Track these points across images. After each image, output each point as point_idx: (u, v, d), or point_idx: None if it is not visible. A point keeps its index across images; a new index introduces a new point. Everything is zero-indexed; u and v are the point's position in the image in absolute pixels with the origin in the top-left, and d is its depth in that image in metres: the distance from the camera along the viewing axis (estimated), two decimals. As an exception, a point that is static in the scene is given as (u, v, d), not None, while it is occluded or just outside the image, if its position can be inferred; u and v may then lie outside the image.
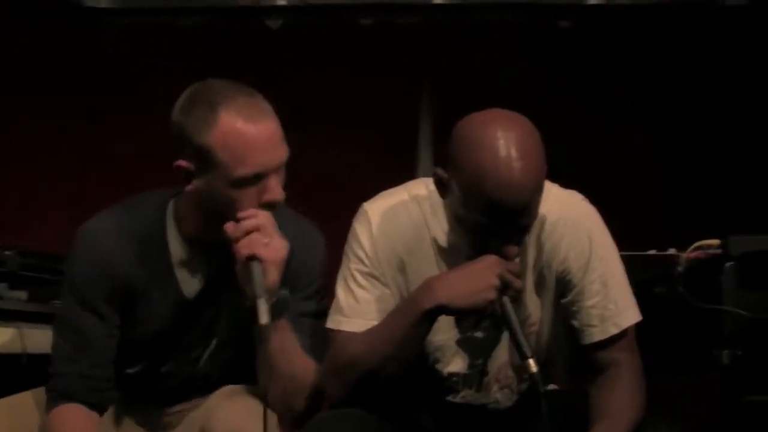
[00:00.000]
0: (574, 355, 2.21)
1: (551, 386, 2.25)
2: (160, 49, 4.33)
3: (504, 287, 1.96)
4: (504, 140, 1.91)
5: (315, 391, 2.12)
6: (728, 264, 2.28)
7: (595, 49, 4.34)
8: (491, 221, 1.92)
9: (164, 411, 2.29)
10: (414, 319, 2.00)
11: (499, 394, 2.20)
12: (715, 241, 2.36)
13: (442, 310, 1.98)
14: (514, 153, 1.90)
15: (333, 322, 2.11)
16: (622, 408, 2.02)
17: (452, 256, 2.09)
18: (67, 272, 2.15)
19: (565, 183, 2.14)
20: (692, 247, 2.38)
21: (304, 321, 2.17)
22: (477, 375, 2.17)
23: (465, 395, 2.18)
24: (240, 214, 2.00)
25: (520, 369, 2.17)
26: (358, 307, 2.09)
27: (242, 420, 2.02)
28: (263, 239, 1.99)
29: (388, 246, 2.11)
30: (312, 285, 2.20)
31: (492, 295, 1.95)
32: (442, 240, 2.11)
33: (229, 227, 2.01)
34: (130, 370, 2.21)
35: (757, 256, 2.15)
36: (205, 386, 2.24)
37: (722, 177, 3.49)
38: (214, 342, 2.21)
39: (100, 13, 4.36)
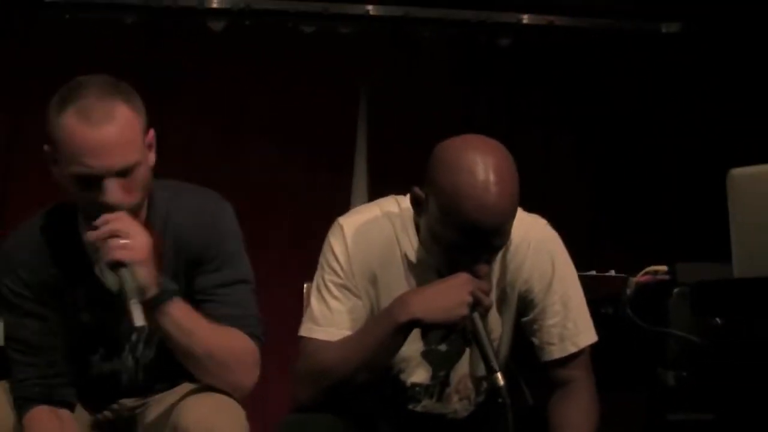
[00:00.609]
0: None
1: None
2: (102, 45, 4.32)
3: (475, 304, 2.05)
4: (482, 165, 2.00)
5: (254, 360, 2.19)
6: (676, 289, 2.41)
7: (533, 69, 4.47)
8: (467, 240, 2.01)
9: (120, 407, 2.31)
10: (389, 331, 2.07)
11: (458, 405, 2.28)
12: (663, 267, 2.49)
13: (416, 323, 2.07)
14: (491, 177, 1.99)
15: (306, 330, 2.18)
16: (581, 421, 2.14)
17: (420, 271, 2.18)
18: None
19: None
20: (642, 272, 2.51)
21: (219, 292, 2.21)
22: (439, 386, 2.26)
23: (426, 405, 2.27)
24: (95, 222, 2.03)
25: (479, 381, 2.28)
26: (332, 317, 2.16)
27: (214, 415, 2.07)
28: (121, 242, 2.01)
29: (362, 259, 2.18)
30: (219, 256, 2.23)
31: (464, 311, 2.04)
32: (412, 256, 2.19)
33: (90, 236, 2.05)
34: (74, 365, 2.25)
35: (704, 284, 2.28)
36: (161, 375, 2.28)
37: (672, 205, 3.65)
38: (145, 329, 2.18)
39: (42, 5, 4.35)
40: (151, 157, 2.13)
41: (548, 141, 4.30)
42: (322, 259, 2.21)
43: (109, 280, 2.13)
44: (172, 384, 2.26)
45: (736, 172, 2.18)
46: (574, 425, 2.12)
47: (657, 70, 4.29)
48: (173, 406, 2.16)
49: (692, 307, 2.28)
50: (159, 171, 2.19)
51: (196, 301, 2.19)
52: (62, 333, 2.21)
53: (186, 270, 2.22)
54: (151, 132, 2.13)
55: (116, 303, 2.08)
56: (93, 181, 2.02)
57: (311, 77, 4.59)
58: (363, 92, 4.73)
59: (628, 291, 2.50)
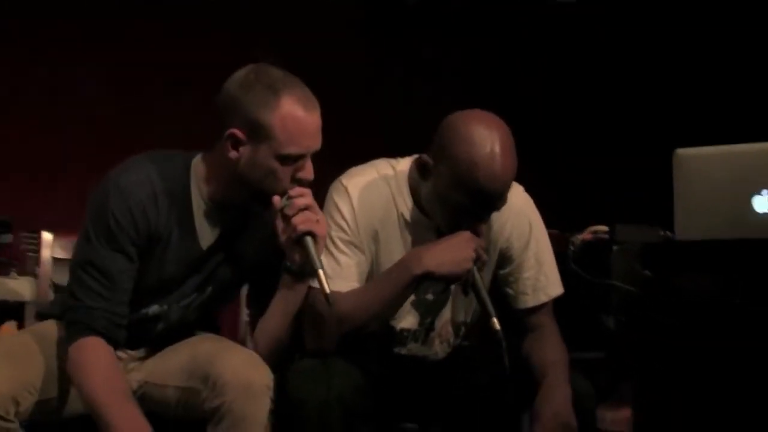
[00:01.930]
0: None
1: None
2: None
3: (476, 258, 2.37)
4: (491, 138, 2.31)
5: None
6: (615, 247, 2.80)
7: (439, 28, 4.71)
8: (475, 204, 2.32)
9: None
10: (404, 282, 2.37)
11: (439, 348, 2.60)
12: (604, 227, 2.87)
13: (428, 276, 2.36)
14: (498, 149, 2.30)
15: (315, 281, 2.41)
16: (558, 357, 2.49)
17: (415, 229, 2.48)
18: (98, 218, 2.32)
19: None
20: (586, 230, 2.87)
21: None
22: (424, 331, 2.57)
23: (411, 348, 2.57)
24: (290, 192, 2.30)
25: (458, 326, 2.60)
26: (341, 270, 2.42)
27: (249, 368, 2.28)
28: (314, 216, 2.30)
29: (366, 218, 2.45)
30: None
31: (469, 264, 2.35)
32: (407, 215, 2.48)
33: (278, 201, 2.30)
34: (135, 312, 2.41)
35: (649, 244, 2.68)
36: (179, 333, 2.48)
37: (613, 171, 4.03)
38: (208, 291, 2.46)
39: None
40: None
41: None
42: (327, 217, 2.43)
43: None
44: None
45: (681, 151, 2.57)
46: (554, 361, 2.46)
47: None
48: (200, 354, 2.36)
49: (640, 262, 2.66)
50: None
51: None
52: (138, 279, 2.37)
53: None
54: None
55: (202, 263, 2.37)
56: (295, 159, 2.29)
57: (212, 35, 4.75)
58: (265, 50, 4.89)
59: (572, 248, 2.87)
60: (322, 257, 2.39)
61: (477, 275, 2.38)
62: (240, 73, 2.34)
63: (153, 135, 4.54)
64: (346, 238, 2.44)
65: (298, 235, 2.30)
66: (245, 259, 2.47)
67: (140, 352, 2.50)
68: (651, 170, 2.77)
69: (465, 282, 2.40)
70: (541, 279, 2.57)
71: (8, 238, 3.78)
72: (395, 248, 2.47)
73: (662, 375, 2.74)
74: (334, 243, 2.44)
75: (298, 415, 2.26)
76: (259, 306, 2.50)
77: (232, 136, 2.30)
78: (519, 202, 2.54)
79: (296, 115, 2.28)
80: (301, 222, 2.30)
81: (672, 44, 4.31)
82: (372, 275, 2.48)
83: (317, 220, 2.32)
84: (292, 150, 2.28)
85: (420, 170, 2.41)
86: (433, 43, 4.80)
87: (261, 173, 2.30)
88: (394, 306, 2.43)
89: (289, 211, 2.31)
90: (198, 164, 2.42)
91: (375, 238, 2.47)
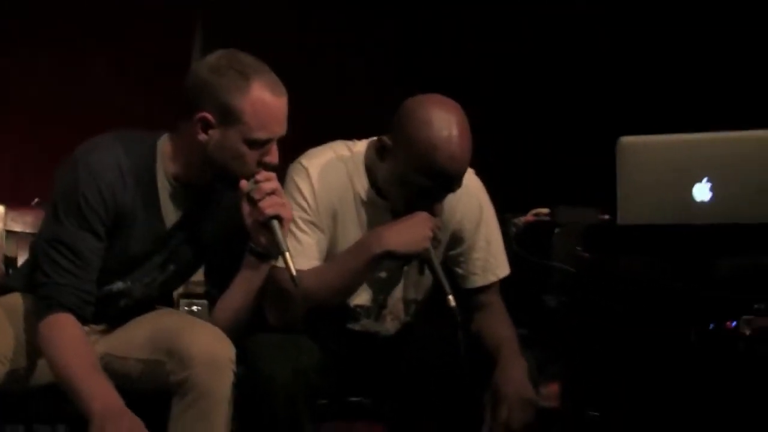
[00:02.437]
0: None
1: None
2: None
3: (432, 238, 2.47)
4: (448, 122, 2.40)
5: None
6: (557, 229, 2.93)
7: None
8: (435, 185, 2.42)
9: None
10: (365, 261, 2.46)
11: (390, 324, 2.68)
12: (546, 210, 3.00)
13: (388, 255, 2.45)
14: (456, 132, 2.40)
15: (280, 261, 2.48)
16: (510, 334, 2.60)
17: (371, 209, 2.56)
18: (67, 198, 2.35)
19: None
20: (529, 213, 3.00)
21: None
22: (377, 308, 2.65)
23: (364, 324, 2.65)
24: (257, 176, 2.36)
25: (409, 304, 2.69)
26: (302, 249, 2.49)
27: (213, 342, 2.35)
28: (281, 201, 2.37)
29: (325, 198, 2.53)
30: None
31: (427, 243, 2.45)
32: (363, 195, 2.56)
33: (245, 185, 2.36)
34: (99, 289, 2.44)
35: (592, 226, 2.82)
36: (141, 309, 2.54)
37: (556, 155, 4.16)
38: (171, 269, 2.51)
39: None
40: None
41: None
42: (288, 197, 2.50)
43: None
44: None
45: (625, 139, 2.70)
46: (506, 337, 2.58)
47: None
48: (164, 327, 2.43)
49: (581, 244, 2.80)
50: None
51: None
52: (104, 257, 2.40)
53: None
54: None
55: (165, 241, 2.43)
56: (262, 144, 2.34)
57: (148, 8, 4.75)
58: (198, 22, 4.93)
59: (515, 229, 2.99)
60: None
61: (433, 254, 2.47)
62: (211, 58, 2.39)
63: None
64: (307, 217, 2.51)
65: (265, 218, 2.36)
66: (206, 239, 2.52)
67: (101, 326, 2.53)
68: (594, 156, 2.89)
69: (422, 260, 2.49)
70: (491, 260, 2.67)
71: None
72: (352, 228, 2.55)
73: (595, 353, 2.89)
74: (295, 222, 2.49)
75: (266, 389, 2.35)
76: (216, 285, 2.56)
77: (203, 119, 2.34)
78: (470, 184, 2.62)
79: (266, 101, 2.34)
80: (268, 206, 2.36)
81: (617, 31, 4.46)
82: (330, 254, 2.55)
83: (283, 204, 2.39)
84: (261, 135, 2.34)
85: (378, 152, 2.49)
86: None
87: (229, 156, 2.36)
88: (355, 284, 2.51)
89: (256, 195, 2.37)
90: (164, 144, 2.45)
91: (334, 217, 2.55)
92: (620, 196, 2.69)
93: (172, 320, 2.48)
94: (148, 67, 4.70)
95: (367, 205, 2.56)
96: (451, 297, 2.45)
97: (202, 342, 2.34)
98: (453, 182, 2.44)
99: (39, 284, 2.35)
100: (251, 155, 2.36)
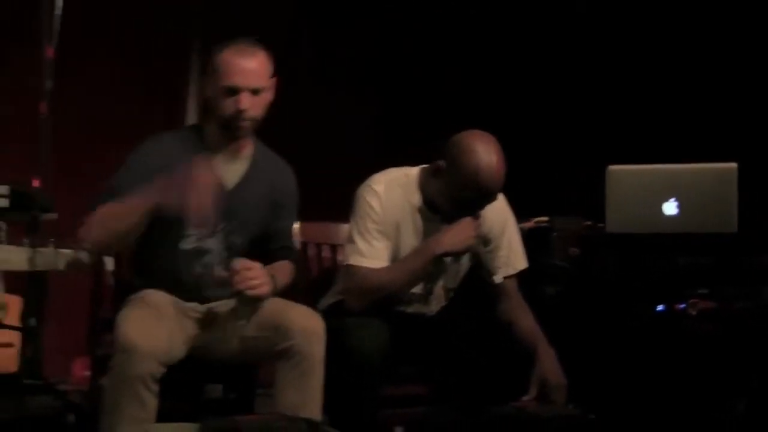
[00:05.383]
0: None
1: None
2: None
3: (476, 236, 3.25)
4: (488, 151, 3.16)
5: None
6: (554, 233, 3.75)
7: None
8: (477, 198, 3.19)
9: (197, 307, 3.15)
10: (427, 260, 3.22)
11: (434, 307, 3.45)
12: (545, 218, 3.81)
13: (447, 253, 3.23)
14: (495, 159, 3.15)
15: (355, 260, 3.23)
16: (534, 322, 3.38)
17: (424, 220, 3.31)
18: (128, 157, 3.10)
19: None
20: (532, 221, 3.80)
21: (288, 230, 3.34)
22: (426, 294, 3.41)
23: (415, 307, 3.40)
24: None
25: (448, 291, 3.46)
26: (373, 251, 3.24)
27: (309, 318, 3.04)
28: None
29: (390, 212, 3.28)
30: (295, 205, 3.37)
31: (473, 242, 3.24)
32: (418, 209, 3.31)
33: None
34: (163, 247, 3.11)
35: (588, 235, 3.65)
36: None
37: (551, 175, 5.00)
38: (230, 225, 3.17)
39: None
40: (270, 95, 3.13)
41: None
42: (361, 211, 3.27)
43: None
44: None
45: (613, 168, 3.52)
46: (535, 328, 3.35)
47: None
48: (267, 310, 3.08)
49: (574, 246, 3.61)
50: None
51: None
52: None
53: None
54: (275, 79, 3.14)
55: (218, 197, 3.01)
56: (230, 91, 3.05)
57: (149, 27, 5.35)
58: (196, 40, 5.55)
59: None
60: (357, 240, 3.25)
61: (480, 249, 3.27)
62: None
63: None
64: (376, 227, 3.26)
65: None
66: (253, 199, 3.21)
67: (202, 308, 3.15)
68: (582, 177, 3.70)
69: (471, 253, 3.30)
70: (512, 257, 3.45)
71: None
72: (410, 235, 3.31)
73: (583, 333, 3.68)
74: (368, 230, 3.25)
75: (353, 357, 3.08)
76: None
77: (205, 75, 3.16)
78: (498, 199, 3.36)
79: (231, 57, 3.09)
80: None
81: (609, 73, 5.15)
82: (393, 256, 3.28)
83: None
84: (225, 83, 3.06)
85: (433, 173, 3.25)
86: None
87: (215, 104, 3.11)
88: (418, 278, 3.28)
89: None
90: None
91: (396, 227, 3.30)
92: (608, 210, 3.50)
93: (268, 305, 3.10)
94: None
95: (421, 217, 3.32)
96: (495, 277, 3.29)
97: (300, 318, 3.03)
98: (491, 196, 3.21)
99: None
100: (228, 102, 3.07)
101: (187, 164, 2.91)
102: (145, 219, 2.96)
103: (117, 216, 2.96)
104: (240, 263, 3.02)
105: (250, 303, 3.07)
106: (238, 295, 3.04)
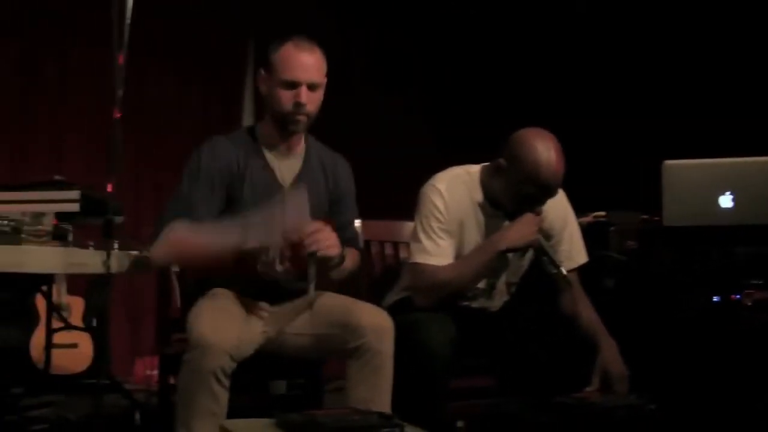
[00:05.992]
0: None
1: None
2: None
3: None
4: (548, 148, 3.26)
5: None
6: (611, 228, 3.84)
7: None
8: (538, 194, 3.29)
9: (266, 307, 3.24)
10: (492, 256, 3.33)
11: (497, 301, 3.56)
12: (603, 213, 3.90)
13: (510, 249, 3.34)
14: (554, 155, 3.26)
15: (422, 258, 3.34)
16: (595, 314, 3.47)
17: (486, 216, 3.43)
18: (190, 164, 3.19)
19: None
20: (591, 215, 3.90)
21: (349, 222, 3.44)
22: (489, 289, 3.52)
23: (480, 302, 3.52)
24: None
25: (510, 285, 3.57)
26: (439, 250, 3.36)
27: (378, 316, 3.14)
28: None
29: (454, 210, 3.39)
30: (353, 197, 3.48)
31: (536, 237, 3.33)
32: (480, 206, 3.42)
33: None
34: None
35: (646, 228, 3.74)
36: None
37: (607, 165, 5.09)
38: None
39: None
40: (323, 93, 3.22)
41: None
42: (425, 210, 3.38)
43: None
44: None
45: (669, 162, 3.60)
46: (596, 320, 3.45)
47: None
48: (335, 308, 3.18)
49: (631, 239, 3.70)
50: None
51: None
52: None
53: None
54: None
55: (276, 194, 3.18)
56: (289, 85, 3.15)
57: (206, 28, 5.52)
58: (251, 40, 5.68)
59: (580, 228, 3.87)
60: (423, 239, 3.36)
61: (544, 242, 3.37)
62: None
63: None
64: (441, 226, 3.37)
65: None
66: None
67: (273, 308, 3.25)
68: (639, 173, 3.79)
69: (535, 248, 3.39)
70: (573, 251, 3.56)
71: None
72: (474, 231, 3.43)
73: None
74: (433, 229, 3.37)
75: (424, 352, 3.18)
76: None
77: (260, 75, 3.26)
78: (558, 194, 3.48)
79: (289, 52, 3.18)
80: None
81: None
82: (458, 252, 3.40)
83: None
84: (285, 77, 3.15)
85: (495, 170, 3.36)
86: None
87: (271, 98, 3.22)
88: (483, 274, 3.39)
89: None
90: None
91: (460, 225, 3.41)
92: (665, 204, 3.58)
93: (336, 302, 3.22)
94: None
95: (484, 213, 3.43)
96: (562, 268, 3.35)
97: (369, 316, 3.12)
98: (552, 190, 3.31)
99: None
100: (285, 96, 3.16)
101: (272, 201, 3.06)
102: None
103: (197, 255, 3.06)
104: (311, 225, 3.09)
105: (321, 265, 3.13)
106: (311, 256, 3.09)
